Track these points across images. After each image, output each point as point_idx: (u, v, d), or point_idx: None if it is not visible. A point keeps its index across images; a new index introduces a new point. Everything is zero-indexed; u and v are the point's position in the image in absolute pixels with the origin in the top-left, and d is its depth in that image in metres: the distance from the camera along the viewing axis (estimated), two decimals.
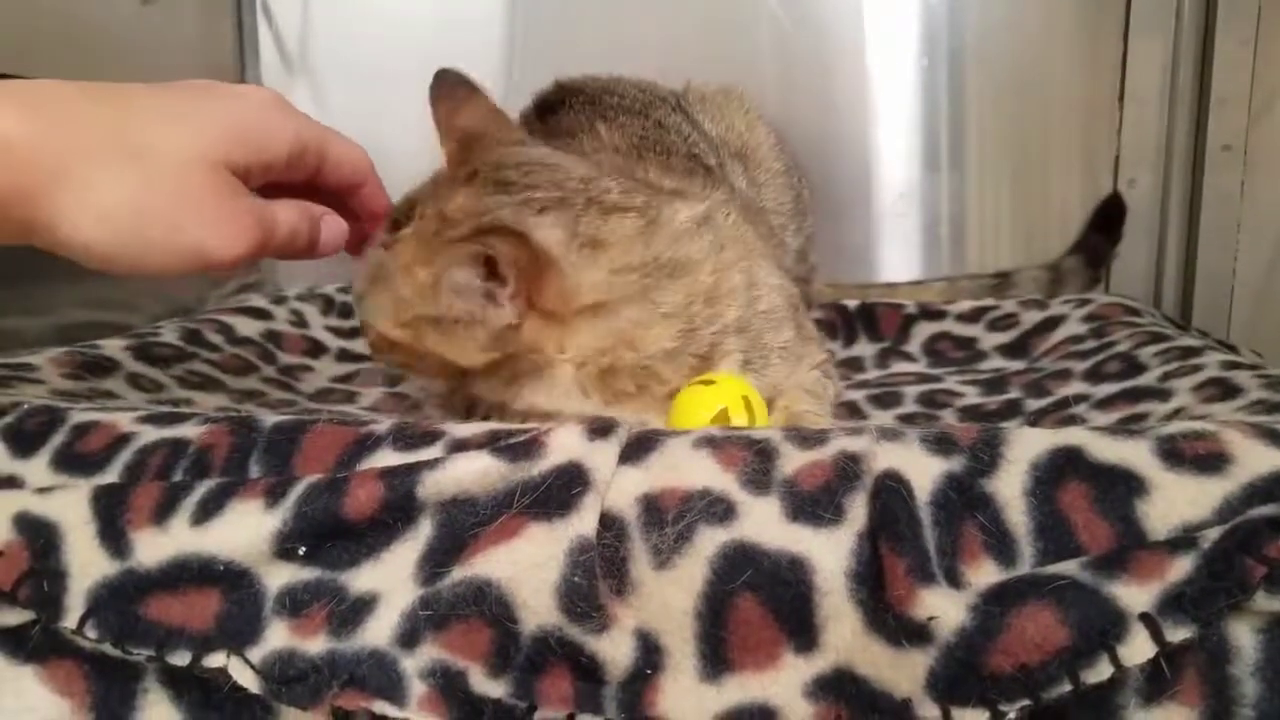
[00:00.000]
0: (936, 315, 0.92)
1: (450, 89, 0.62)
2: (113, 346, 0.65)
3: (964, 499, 0.37)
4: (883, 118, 1.07)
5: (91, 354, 0.62)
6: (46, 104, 0.41)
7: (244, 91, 0.48)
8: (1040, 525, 0.36)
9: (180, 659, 0.36)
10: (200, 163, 0.43)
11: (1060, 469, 0.37)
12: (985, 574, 0.35)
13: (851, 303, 0.96)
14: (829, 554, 0.36)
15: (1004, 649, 0.32)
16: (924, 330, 0.91)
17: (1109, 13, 1.02)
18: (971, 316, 0.92)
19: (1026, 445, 0.38)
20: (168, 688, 0.39)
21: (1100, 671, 0.32)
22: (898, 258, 1.10)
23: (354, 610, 0.36)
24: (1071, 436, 0.38)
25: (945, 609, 0.33)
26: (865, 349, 0.91)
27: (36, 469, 0.41)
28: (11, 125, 0.40)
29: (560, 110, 0.81)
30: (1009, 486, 0.37)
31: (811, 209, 0.98)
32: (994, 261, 1.07)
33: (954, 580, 0.35)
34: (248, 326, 0.79)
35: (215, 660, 0.36)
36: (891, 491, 0.36)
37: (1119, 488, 0.36)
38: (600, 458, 0.39)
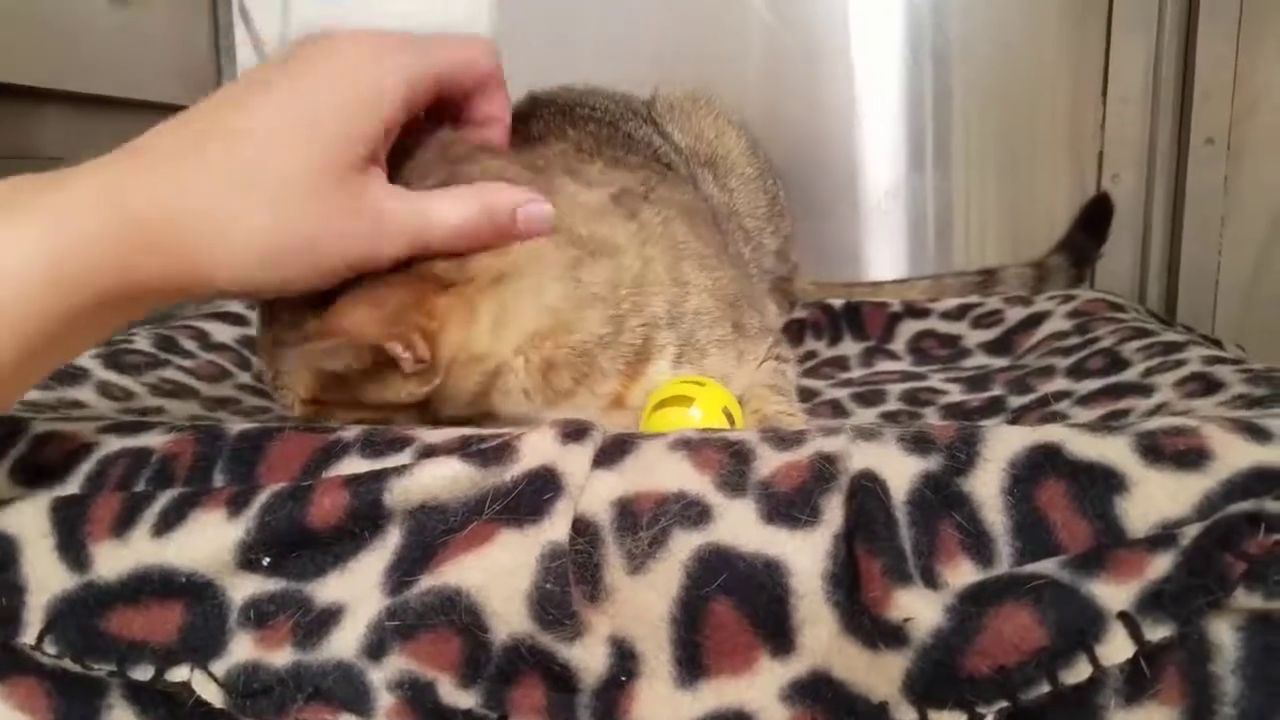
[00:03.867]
0: (921, 313, 0.92)
1: None
2: (82, 354, 0.64)
3: (941, 498, 0.36)
4: (868, 116, 1.07)
5: None
6: (163, 166, 0.40)
7: (329, 63, 0.44)
8: (1018, 524, 0.36)
9: (142, 674, 0.36)
10: (324, 180, 0.42)
11: (1038, 467, 0.36)
12: (962, 574, 0.35)
13: (836, 301, 0.95)
14: (805, 556, 0.35)
15: (981, 650, 0.32)
16: (908, 328, 0.91)
17: (1092, 9, 1.02)
18: (956, 314, 0.91)
19: (1004, 443, 0.37)
20: (132, 703, 0.38)
21: (1079, 672, 0.31)
22: (883, 256, 1.09)
23: (320, 622, 0.36)
24: (1050, 434, 0.38)
25: (921, 610, 0.33)
26: (850, 348, 0.90)
27: None
28: (143, 204, 0.39)
29: (531, 121, 0.80)
30: (986, 485, 0.36)
31: (789, 210, 0.97)
32: (979, 259, 1.07)
33: (931, 581, 0.35)
34: (223, 332, 0.78)
35: (178, 674, 0.35)
36: (868, 492, 0.36)
37: (1098, 485, 0.36)
38: (573, 462, 0.38)
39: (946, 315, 0.91)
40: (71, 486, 0.40)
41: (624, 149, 0.75)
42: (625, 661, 0.35)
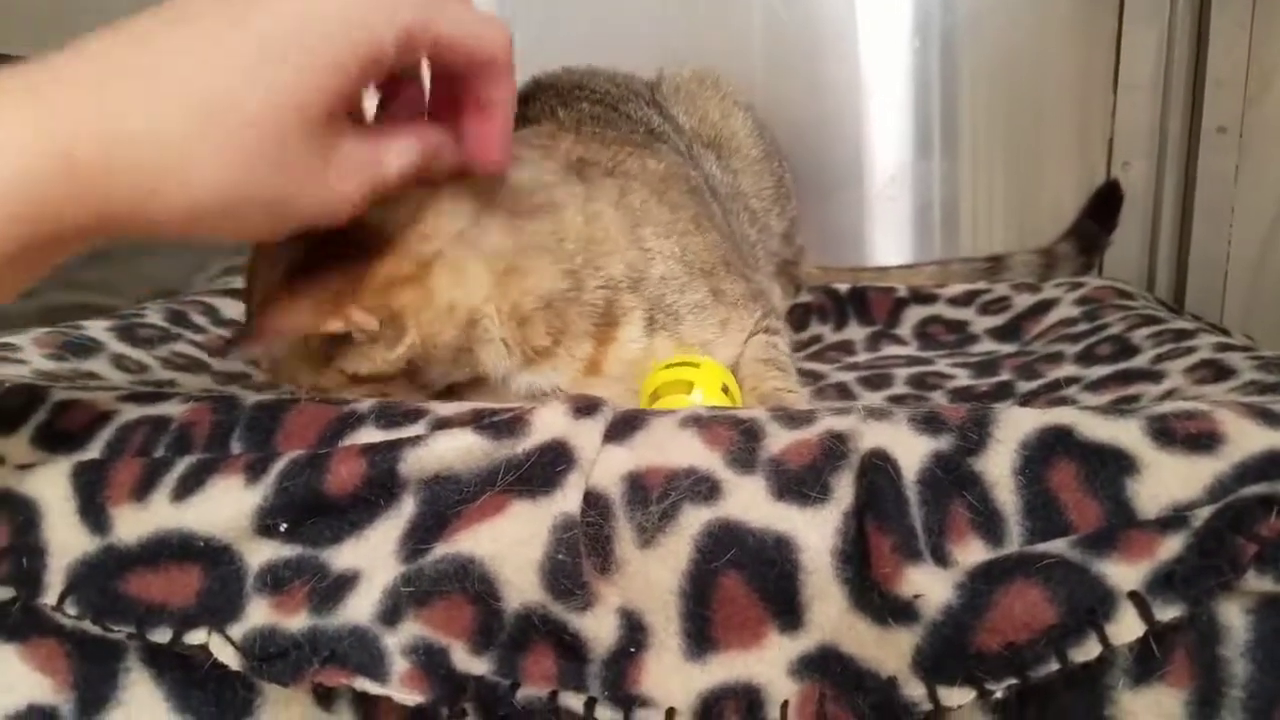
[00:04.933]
0: (928, 299, 0.92)
1: None
2: (96, 327, 0.64)
3: (952, 478, 0.36)
4: (874, 100, 1.06)
5: (75, 335, 0.62)
6: (110, 88, 0.35)
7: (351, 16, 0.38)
8: (1029, 504, 0.36)
9: (160, 636, 0.36)
10: (295, 125, 0.37)
11: (1050, 448, 0.37)
12: (973, 553, 0.35)
13: (842, 286, 0.95)
14: (815, 532, 0.35)
15: (991, 627, 0.32)
16: (915, 314, 0.91)
17: None
18: (963, 300, 0.91)
19: (1016, 424, 0.38)
20: (149, 666, 0.38)
21: (1089, 650, 0.32)
22: (889, 241, 1.09)
23: (335, 587, 0.36)
24: (1061, 416, 0.38)
25: (931, 587, 0.33)
26: (856, 332, 0.90)
27: (17, 446, 0.41)
28: (84, 141, 0.34)
29: (530, 103, 0.81)
30: (998, 465, 0.36)
31: (795, 192, 0.97)
32: (986, 245, 1.07)
33: (941, 559, 0.35)
34: (233, 308, 0.78)
35: (196, 637, 0.36)
36: (878, 470, 0.36)
37: (1109, 467, 0.36)
38: (585, 436, 0.39)
39: (954, 301, 0.91)
40: (92, 453, 0.40)
41: (612, 127, 0.75)
42: (635, 633, 0.36)
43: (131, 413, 0.42)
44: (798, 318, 0.93)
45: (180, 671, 0.38)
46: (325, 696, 0.37)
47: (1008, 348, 0.82)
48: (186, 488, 0.37)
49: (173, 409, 0.42)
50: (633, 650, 0.36)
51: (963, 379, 0.74)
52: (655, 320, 0.58)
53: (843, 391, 0.72)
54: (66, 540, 0.37)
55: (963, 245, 1.08)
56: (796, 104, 1.05)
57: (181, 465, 0.38)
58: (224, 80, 0.36)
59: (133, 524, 0.37)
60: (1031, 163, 1.07)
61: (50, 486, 0.38)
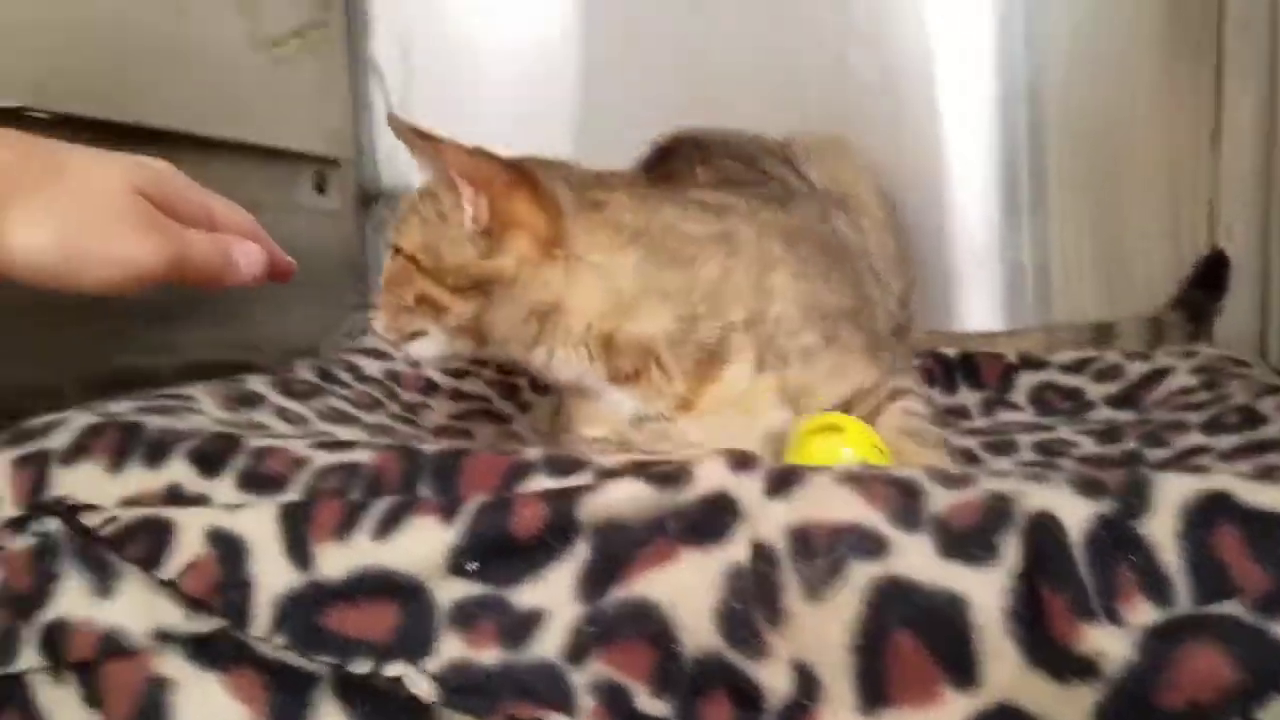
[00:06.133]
0: (1038, 365, 0.92)
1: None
2: (256, 381, 0.68)
3: (1116, 540, 0.37)
4: (959, 162, 1.05)
5: (240, 388, 0.66)
6: None
7: (150, 160, 0.53)
8: (1194, 566, 0.36)
9: (360, 668, 0.38)
10: (124, 189, 0.49)
11: (1210, 513, 0.37)
12: (1142, 614, 0.36)
13: (950, 351, 0.96)
14: (985, 591, 0.36)
15: (1174, 685, 0.33)
16: (1027, 380, 0.90)
17: (1202, 52, 0.98)
18: (1074, 367, 0.91)
19: (1174, 489, 0.38)
20: (340, 699, 0.40)
21: (1274, 713, 0.32)
22: (977, 306, 1.07)
23: (521, 625, 0.38)
24: (1218, 482, 0.38)
25: (1110, 645, 0.33)
26: (968, 397, 0.90)
27: (223, 489, 0.44)
28: None
29: (671, 158, 0.85)
30: (1160, 529, 0.37)
31: (912, 258, 0.98)
32: (1079, 311, 1.04)
33: (1112, 619, 0.35)
34: (371, 366, 0.83)
35: (393, 669, 0.38)
36: (1044, 530, 0.37)
37: (1273, 532, 0.36)
38: (747, 488, 0.40)
39: (1065, 368, 0.91)
40: (292, 495, 0.44)
41: (752, 183, 0.79)
42: (808, 686, 0.37)
43: (324, 459, 0.45)
44: None
45: (370, 704, 0.40)
46: None
47: (1126, 415, 0.81)
48: (385, 527, 0.40)
49: (362, 456, 0.45)
50: (806, 703, 0.37)
51: (1088, 446, 0.73)
52: (765, 361, 0.62)
53: (968, 456, 0.72)
54: (273, 575, 0.40)
55: (1055, 311, 1.05)
56: (879, 167, 1.03)
57: (380, 506, 0.41)
58: (73, 163, 0.49)
59: (335, 560, 0.40)
60: (1124, 224, 1.03)
61: (258, 524, 0.41)
